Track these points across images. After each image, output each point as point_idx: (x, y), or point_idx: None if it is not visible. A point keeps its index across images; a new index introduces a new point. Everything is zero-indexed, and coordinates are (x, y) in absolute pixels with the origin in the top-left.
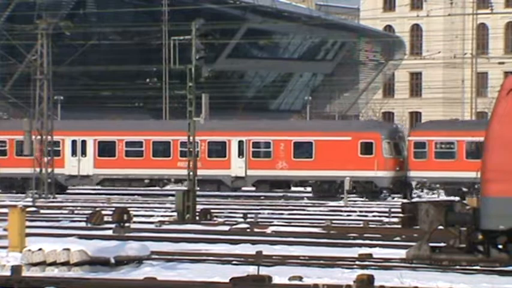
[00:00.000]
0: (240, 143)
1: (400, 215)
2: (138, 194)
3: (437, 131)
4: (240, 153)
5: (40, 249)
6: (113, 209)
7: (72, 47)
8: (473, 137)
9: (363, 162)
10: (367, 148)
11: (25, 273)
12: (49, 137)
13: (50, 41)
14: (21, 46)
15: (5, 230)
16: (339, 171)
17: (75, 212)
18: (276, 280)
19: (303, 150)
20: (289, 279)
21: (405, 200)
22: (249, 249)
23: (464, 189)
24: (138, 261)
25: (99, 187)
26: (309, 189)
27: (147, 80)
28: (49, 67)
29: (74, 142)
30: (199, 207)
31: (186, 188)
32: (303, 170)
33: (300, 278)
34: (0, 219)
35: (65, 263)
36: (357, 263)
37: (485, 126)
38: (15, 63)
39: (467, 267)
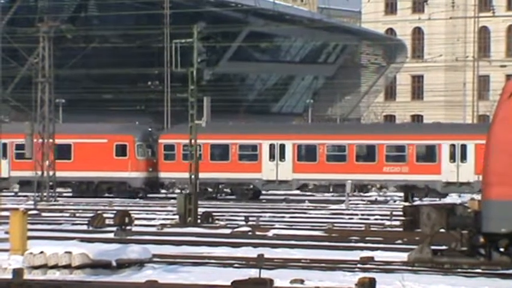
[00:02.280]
0: None
1: (402, 218)
2: (140, 197)
3: (183, 135)
4: None
5: (42, 252)
6: (115, 212)
7: (73, 50)
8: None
9: (118, 164)
10: (121, 150)
11: (26, 276)
12: (51, 140)
13: (51, 44)
14: (22, 49)
15: (6, 233)
16: (95, 172)
17: (77, 215)
18: (278, 283)
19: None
20: (291, 282)
21: (407, 204)
22: (250, 252)
23: (210, 189)
24: (139, 264)
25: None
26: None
27: (149, 83)
28: (51, 70)
29: None
30: (200, 210)
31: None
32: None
33: (302, 281)
34: (2, 222)
35: (67, 266)
36: (359, 266)
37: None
38: (17, 66)
39: (469, 270)
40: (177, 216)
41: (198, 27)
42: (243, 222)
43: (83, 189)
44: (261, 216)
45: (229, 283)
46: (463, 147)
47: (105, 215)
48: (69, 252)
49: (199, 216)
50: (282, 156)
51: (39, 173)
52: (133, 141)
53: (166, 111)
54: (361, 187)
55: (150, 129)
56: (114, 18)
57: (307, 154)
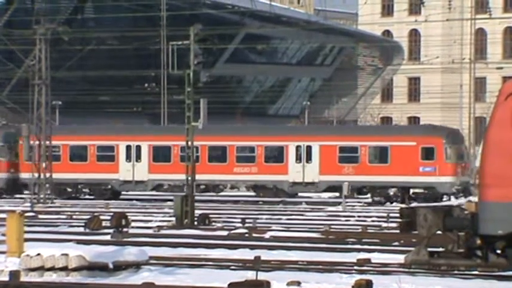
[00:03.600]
0: None
1: (399, 220)
2: (137, 199)
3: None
4: None
5: (38, 254)
6: (111, 214)
7: (70, 52)
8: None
9: None
10: None
11: (23, 278)
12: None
13: (48, 46)
14: (19, 51)
15: (3, 235)
16: None
17: (74, 217)
18: (275, 285)
19: None
20: (288, 284)
21: (404, 205)
22: (247, 254)
23: (69, 189)
24: (136, 266)
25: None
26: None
27: (146, 85)
28: (47, 72)
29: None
30: (197, 212)
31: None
32: None
33: (299, 283)
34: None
35: (63, 268)
36: (356, 268)
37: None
38: (14, 69)
39: (466, 272)
40: (173, 218)
41: (195, 29)
42: (240, 224)
43: None
44: (257, 218)
45: (226, 285)
46: (309, 149)
47: (101, 217)
48: (66, 255)
49: (196, 218)
50: (138, 157)
51: (36, 175)
52: None
53: (163, 113)
54: (213, 187)
55: (13, 130)
56: (110, 20)
57: (162, 155)
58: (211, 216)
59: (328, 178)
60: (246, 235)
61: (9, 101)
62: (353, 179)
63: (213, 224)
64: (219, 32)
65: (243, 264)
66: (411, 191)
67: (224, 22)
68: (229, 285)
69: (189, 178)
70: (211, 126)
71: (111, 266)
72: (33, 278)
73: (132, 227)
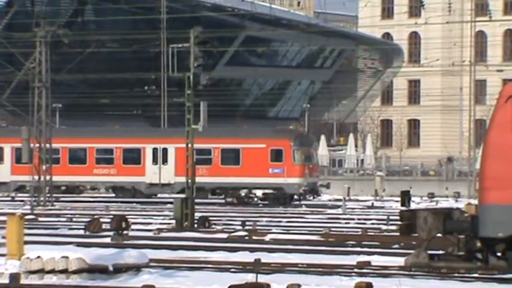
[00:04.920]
0: None
1: (399, 222)
2: (137, 202)
3: None
4: None
5: (38, 256)
6: (111, 216)
7: (70, 54)
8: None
9: None
10: None
11: (23, 281)
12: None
13: (48, 49)
14: (19, 54)
15: (3, 237)
16: None
17: (74, 219)
18: None
19: None
20: (288, 287)
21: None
22: (247, 257)
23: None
24: (136, 268)
25: (97, 194)
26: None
27: (146, 87)
28: (47, 75)
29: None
30: (197, 214)
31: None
32: None
33: (299, 286)
34: (0, 227)
35: (64, 271)
36: (355, 270)
37: None
38: (14, 71)
39: (466, 275)
40: (173, 221)
41: (195, 32)
42: (240, 227)
43: None
44: (257, 221)
45: None
46: (165, 151)
47: (102, 220)
48: (66, 257)
49: (196, 221)
50: None
51: (36, 177)
52: None
53: (163, 116)
54: (74, 188)
55: None
56: (111, 23)
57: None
58: (211, 218)
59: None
60: (246, 238)
61: (9, 104)
62: (207, 180)
63: (213, 226)
64: (219, 35)
65: (243, 267)
66: (261, 191)
67: (224, 25)
68: (229, 287)
69: (189, 181)
70: (71, 129)
71: (111, 268)
72: (33, 280)
73: (132, 230)
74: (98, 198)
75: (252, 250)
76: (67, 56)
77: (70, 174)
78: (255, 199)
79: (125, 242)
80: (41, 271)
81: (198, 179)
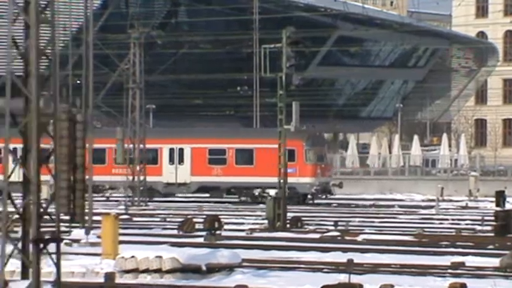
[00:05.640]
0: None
1: (493, 223)
2: (229, 202)
3: None
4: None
5: (133, 256)
6: (204, 216)
7: (163, 55)
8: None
9: None
10: None
11: (118, 280)
12: (141, 145)
13: (142, 50)
14: (114, 55)
15: (98, 237)
16: None
17: (167, 219)
18: None
19: None
20: (381, 287)
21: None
22: (339, 257)
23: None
24: (229, 268)
25: (190, 195)
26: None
27: (238, 88)
28: (141, 76)
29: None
30: (289, 214)
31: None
32: None
33: (391, 287)
34: (94, 226)
35: (157, 270)
36: (449, 271)
37: None
38: (108, 73)
39: None
40: (266, 221)
41: (287, 32)
42: (332, 227)
43: None
44: (350, 221)
45: None
46: (181, 151)
47: (195, 220)
48: (160, 257)
49: (288, 221)
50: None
51: (130, 178)
52: None
53: (255, 116)
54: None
55: None
56: (203, 24)
57: None
58: (303, 219)
59: (200, 179)
60: (339, 238)
61: (104, 105)
62: (222, 179)
63: (305, 226)
64: (312, 35)
65: (336, 267)
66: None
67: (317, 25)
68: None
69: (281, 181)
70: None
71: (204, 268)
72: (128, 279)
73: (225, 230)
74: (190, 199)
75: (345, 250)
76: (160, 57)
77: (208, 175)
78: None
79: (218, 242)
80: (135, 270)
81: (213, 179)
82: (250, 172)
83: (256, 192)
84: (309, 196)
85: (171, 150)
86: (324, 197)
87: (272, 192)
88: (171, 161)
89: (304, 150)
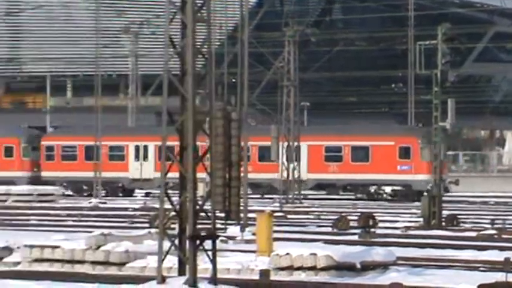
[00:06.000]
0: None
1: None
2: (384, 200)
3: (62, 136)
4: None
5: (287, 253)
6: (359, 214)
7: (318, 53)
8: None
9: (6, 164)
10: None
11: (273, 277)
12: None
13: (296, 48)
14: (268, 53)
15: (253, 234)
16: None
17: (322, 217)
18: None
19: None
20: None
21: None
22: (496, 256)
23: (85, 187)
24: (383, 266)
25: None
26: None
27: (393, 85)
28: (296, 74)
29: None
30: (445, 212)
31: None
32: None
33: None
34: (249, 223)
35: (312, 268)
36: None
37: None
38: (263, 71)
39: None
40: (421, 219)
41: (443, 29)
42: (489, 225)
43: None
44: (507, 219)
45: (474, 287)
46: (145, 148)
47: (349, 218)
48: (314, 254)
49: (443, 219)
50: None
51: (285, 175)
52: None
53: (410, 113)
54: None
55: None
56: (358, 21)
57: None
58: (459, 217)
59: (315, 176)
60: (495, 236)
61: (259, 103)
62: (338, 177)
63: (461, 225)
64: (467, 31)
65: (492, 266)
66: (390, 188)
67: (472, 21)
68: (478, 286)
69: (436, 179)
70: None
71: (358, 266)
72: (283, 277)
73: (380, 228)
74: (343, 196)
75: (502, 249)
76: (315, 55)
77: (324, 172)
78: (384, 195)
79: (372, 239)
80: (290, 268)
81: (329, 176)
82: (366, 169)
83: (372, 189)
84: (425, 193)
85: (288, 148)
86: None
87: (388, 189)
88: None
89: (420, 148)
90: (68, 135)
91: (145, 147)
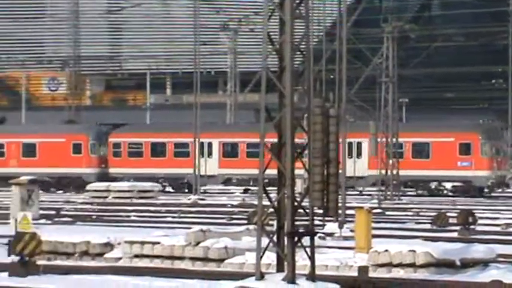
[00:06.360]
0: None
1: None
2: (483, 196)
3: (129, 133)
4: None
5: (386, 250)
6: (458, 211)
7: (417, 49)
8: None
9: (74, 161)
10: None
11: (371, 274)
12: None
13: (395, 44)
14: (367, 49)
15: (351, 231)
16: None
17: (420, 213)
18: None
19: None
20: None
21: None
22: None
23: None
24: (483, 263)
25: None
26: None
27: (493, 81)
28: (394, 70)
29: None
30: None
31: None
32: None
33: None
34: (347, 220)
35: (411, 265)
36: None
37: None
38: (361, 67)
39: None
40: None
41: None
42: None
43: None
44: None
45: None
46: (359, 145)
47: (448, 214)
48: (413, 251)
49: None
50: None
51: (383, 171)
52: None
53: (510, 109)
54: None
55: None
56: (456, 16)
57: None
58: None
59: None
60: None
61: (357, 99)
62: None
63: None
64: None
65: None
66: (450, 184)
67: None
68: None
69: None
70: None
71: (458, 263)
72: (381, 273)
73: (479, 224)
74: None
75: None
76: (413, 51)
77: (412, 169)
78: (445, 192)
79: (472, 236)
80: (389, 264)
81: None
82: (427, 166)
83: (433, 185)
84: (485, 190)
85: (350, 145)
86: (500, 190)
87: (448, 185)
88: (350, 154)
89: (480, 144)
90: (134, 132)
91: (210, 144)
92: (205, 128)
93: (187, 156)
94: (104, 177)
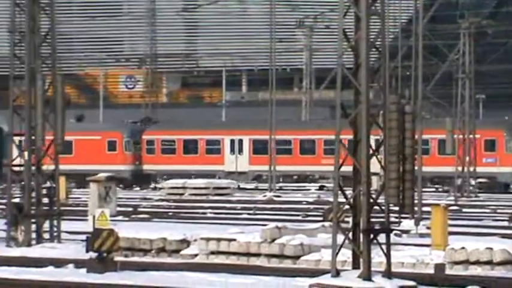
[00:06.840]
0: None
1: None
2: (509, 192)
3: (163, 131)
4: None
5: (463, 247)
6: None
7: (494, 45)
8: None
9: (110, 158)
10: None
11: (448, 271)
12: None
13: (471, 40)
14: (443, 46)
15: (428, 228)
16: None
17: (498, 211)
18: None
19: None
20: None
21: None
22: None
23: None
24: None
25: None
26: None
27: None
28: (471, 66)
29: None
30: None
31: None
32: None
33: None
34: (424, 217)
35: (488, 262)
36: None
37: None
38: (437, 63)
39: None
40: None
41: None
42: None
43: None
44: None
45: None
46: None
47: None
48: (491, 248)
49: None
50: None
51: (460, 168)
52: (122, 138)
53: None
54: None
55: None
56: None
57: None
58: None
59: None
60: None
61: (433, 96)
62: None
63: None
64: None
65: None
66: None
67: None
68: None
69: None
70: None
71: None
72: (458, 271)
73: None
74: None
75: None
76: (491, 47)
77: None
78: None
79: None
80: (466, 262)
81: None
82: (451, 162)
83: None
84: (511, 186)
85: (463, 142)
86: None
87: (473, 181)
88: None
89: (505, 140)
90: (167, 130)
91: (240, 141)
92: (236, 125)
93: (219, 153)
94: (138, 174)
